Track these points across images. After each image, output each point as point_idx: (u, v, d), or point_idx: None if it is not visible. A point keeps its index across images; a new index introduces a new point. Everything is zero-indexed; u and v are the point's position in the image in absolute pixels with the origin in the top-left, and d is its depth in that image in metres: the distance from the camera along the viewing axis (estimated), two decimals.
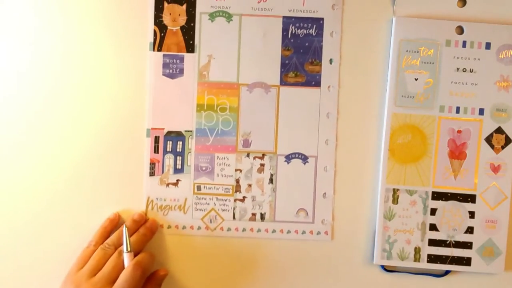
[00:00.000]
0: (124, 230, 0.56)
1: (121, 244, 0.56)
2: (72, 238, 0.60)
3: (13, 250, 0.61)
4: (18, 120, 0.60)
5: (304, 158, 0.60)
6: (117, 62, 0.60)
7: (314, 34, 0.59)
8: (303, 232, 0.60)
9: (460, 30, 0.59)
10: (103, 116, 0.60)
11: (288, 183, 0.60)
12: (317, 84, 0.60)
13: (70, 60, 0.60)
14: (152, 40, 0.59)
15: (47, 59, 0.60)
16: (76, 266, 0.55)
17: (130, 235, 0.57)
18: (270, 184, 0.60)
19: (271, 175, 0.60)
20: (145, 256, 0.56)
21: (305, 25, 0.59)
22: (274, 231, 0.60)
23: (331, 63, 0.60)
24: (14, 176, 0.60)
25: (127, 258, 0.55)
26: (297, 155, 0.60)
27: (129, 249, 0.55)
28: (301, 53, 0.60)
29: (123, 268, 0.54)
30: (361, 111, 0.60)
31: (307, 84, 0.60)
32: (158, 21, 0.59)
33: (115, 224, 0.60)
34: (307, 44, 0.59)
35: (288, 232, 0.60)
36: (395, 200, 0.59)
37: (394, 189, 0.59)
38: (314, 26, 0.59)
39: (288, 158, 0.60)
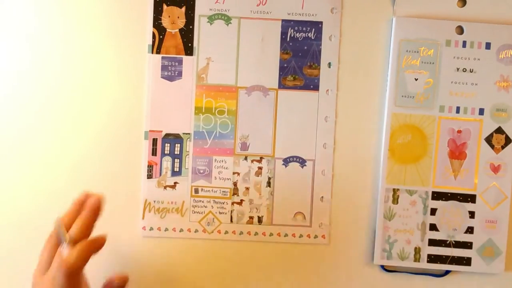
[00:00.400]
0: (58, 222, 0.50)
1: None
2: None
3: (11, 251, 0.61)
4: (16, 121, 0.60)
5: (302, 162, 0.60)
6: (115, 64, 0.60)
7: (313, 38, 0.59)
8: (300, 236, 0.60)
9: (460, 30, 0.59)
10: (102, 118, 0.60)
11: (286, 186, 0.60)
12: (316, 87, 0.60)
13: (69, 62, 0.60)
14: (150, 43, 0.59)
15: (46, 60, 0.60)
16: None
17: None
18: (268, 187, 0.60)
19: (269, 178, 0.60)
20: (80, 248, 0.48)
21: (304, 29, 0.59)
22: (271, 234, 0.60)
23: (329, 66, 0.60)
24: (13, 177, 0.60)
25: (65, 250, 0.48)
26: (295, 159, 0.60)
27: (66, 240, 0.48)
28: (300, 57, 0.59)
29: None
30: (359, 114, 0.60)
31: (305, 87, 0.60)
32: (157, 23, 0.59)
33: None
34: (305, 47, 0.59)
35: (286, 235, 0.60)
36: (395, 200, 0.59)
37: (394, 189, 0.59)
38: (313, 29, 0.59)
39: (286, 161, 0.60)
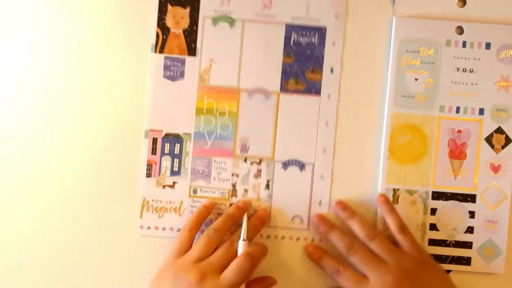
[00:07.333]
0: (245, 218, 0.56)
1: (226, 232, 0.56)
2: (68, 238, 0.60)
3: (12, 253, 0.60)
4: (16, 121, 0.60)
5: (301, 165, 0.60)
6: (118, 62, 0.59)
7: (316, 43, 0.60)
8: (298, 239, 0.60)
9: (460, 30, 0.59)
10: (103, 115, 0.60)
11: (284, 189, 0.60)
12: (317, 92, 0.60)
13: (72, 60, 0.59)
14: (154, 42, 0.59)
15: (47, 60, 0.59)
16: (176, 253, 0.55)
17: (235, 223, 0.57)
18: (266, 189, 0.60)
19: (268, 181, 0.60)
20: (257, 248, 0.54)
21: (308, 33, 0.60)
22: (268, 236, 0.60)
23: (332, 72, 0.60)
24: (12, 178, 0.60)
25: (242, 247, 0.54)
26: (294, 162, 0.60)
27: (245, 238, 0.54)
28: (303, 61, 0.60)
29: (234, 257, 0.53)
30: (360, 119, 0.60)
31: (307, 91, 0.60)
32: (161, 23, 0.59)
33: (209, 211, 0.59)
34: (308, 52, 0.60)
35: (283, 238, 0.61)
36: (395, 200, 0.60)
37: (394, 189, 0.59)
38: (317, 34, 0.60)
39: (285, 164, 0.60)
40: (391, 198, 0.60)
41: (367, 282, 0.54)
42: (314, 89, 0.60)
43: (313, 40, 0.60)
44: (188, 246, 0.56)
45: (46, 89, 0.60)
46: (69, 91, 0.60)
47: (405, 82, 0.59)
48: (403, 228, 0.57)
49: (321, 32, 0.60)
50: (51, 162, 0.60)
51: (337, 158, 0.60)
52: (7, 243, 0.60)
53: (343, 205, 0.59)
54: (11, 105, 0.60)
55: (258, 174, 0.60)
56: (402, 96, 0.59)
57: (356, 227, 0.57)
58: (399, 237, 0.57)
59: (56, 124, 0.60)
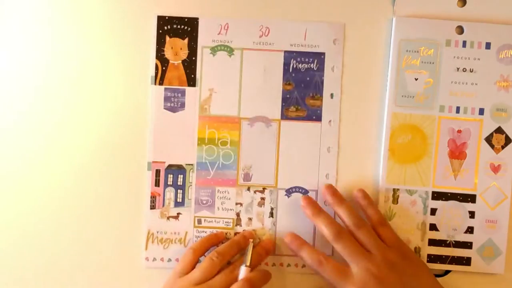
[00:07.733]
0: (251, 244, 0.56)
1: (229, 257, 0.56)
2: (73, 272, 0.60)
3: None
4: (19, 151, 0.60)
5: (305, 192, 0.60)
6: (118, 95, 0.60)
7: (315, 69, 0.60)
8: (303, 266, 0.60)
9: (460, 30, 0.59)
10: (104, 150, 0.60)
11: (289, 216, 0.60)
12: (318, 118, 0.60)
13: (72, 93, 0.60)
14: (153, 74, 0.59)
15: (46, 97, 0.60)
16: (178, 273, 0.56)
17: (239, 250, 0.58)
18: (271, 217, 0.60)
19: (272, 208, 0.60)
20: (258, 275, 0.55)
21: (307, 60, 0.59)
22: (274, 264, 0.60)
23: (332, 97, 0.60)
24: (15, 200, 0.60)
25: (243, 272, 0.55)
26: (297, 189, 0.60)
27: (248, 264, 0.55)
28: (302, 88, 0.60)
29: (234, 282, 0.53)
30: (362, 145, 0.60)
31: (308, 118, 0.60)
32: (160, 55, 0.59)
33: (218, 240, 0.59)
34: (308, 78, 0.60)
35: (288, 265, 0.60)
36: (395, 200, 0.59)
37: (394, 189, 0.59)
38: (315, 60, 0.59)
39: (289, 192, 0.60)
40: (391, 198, 0.59)
41: (350, 273, 0.53)
42: (314, 115, 0.60)
43: (312, 66, 0.60)
44: (190, 267, 0.56)
45: (46, 124, 0.60)
46: (70, 126, 0.60)
47: (405, 82, 0.59)
48: (383, 221, 0.57)
49: (319, 57, 0.59)
50: (56, 195, 0.60)
51: (340, 183, 0.60)
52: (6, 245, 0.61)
53: (333, 191, 0.58)
54: (11, 105, 0.60)
55: (262, 202, 0.60)
56: (402, 96, 0.59)
57: (344, 214, 0.56)
58: (380, 230, 0.56)
59: (60, 157, 0.60)
